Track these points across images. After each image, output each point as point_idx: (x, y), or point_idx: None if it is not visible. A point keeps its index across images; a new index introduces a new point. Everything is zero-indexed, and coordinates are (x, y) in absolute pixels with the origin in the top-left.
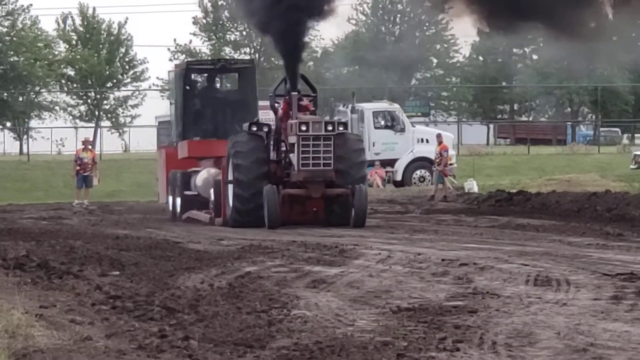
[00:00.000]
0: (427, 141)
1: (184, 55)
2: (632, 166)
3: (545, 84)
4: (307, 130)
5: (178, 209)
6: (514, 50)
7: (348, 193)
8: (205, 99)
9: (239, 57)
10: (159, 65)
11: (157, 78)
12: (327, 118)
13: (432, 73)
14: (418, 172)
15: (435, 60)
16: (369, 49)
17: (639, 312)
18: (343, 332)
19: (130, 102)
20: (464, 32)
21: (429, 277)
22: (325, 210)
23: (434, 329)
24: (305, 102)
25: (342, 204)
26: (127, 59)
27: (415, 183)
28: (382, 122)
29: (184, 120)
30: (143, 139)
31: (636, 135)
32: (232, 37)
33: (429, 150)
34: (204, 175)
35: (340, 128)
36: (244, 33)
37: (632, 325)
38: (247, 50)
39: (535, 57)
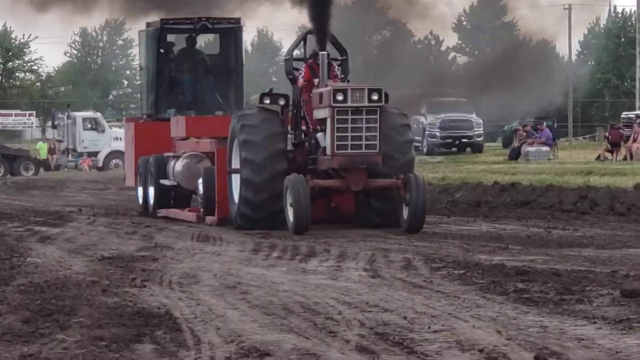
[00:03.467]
0: (120, 139)
1: None
2: None
3: None
4: (345, 100)
5: (150, 201)
6: None
7: (399, 185)
8: (182, 64)
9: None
10: None
11: None
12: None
13: (124, 91)
14: (114, 161)
15: (126, 82)
16: (79, 74)
17: (271, 260)
18: (64, 274)
19: None
20: None
21: (123, 235)
22: (357, 207)
23: (128, 272)
24: (334, 67)
25: (385, 198)
26: None
27: (111, 168)
28: (89, 126)
29: (157, 89)
30: None
31: None
32: None
33: (122, 145)
34: (186, 161)
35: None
36: None
37: (267, 269)
38: None
39: None
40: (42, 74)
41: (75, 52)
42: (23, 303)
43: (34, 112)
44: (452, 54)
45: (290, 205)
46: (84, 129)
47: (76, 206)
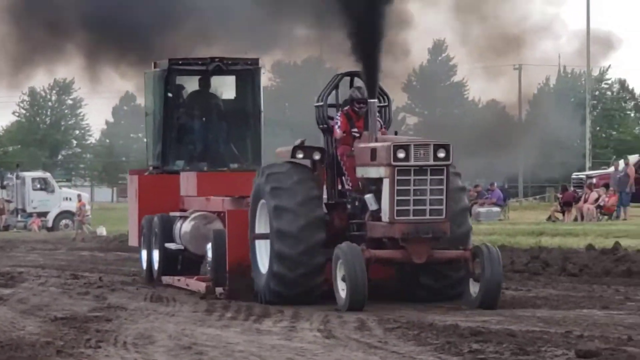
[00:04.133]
0: (70, 199)
1: None
2: None
3: None
4: (407, 158)
5: (155, 266)
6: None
7: (467, 257)
8: (193, 109)
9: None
10: None
11: None
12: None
13: (73, 151)
14: (64, 221)
15: (75, 142)
16: (27, 133)
17: (225, 320)
18: (17, 335)
19: None
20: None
21: (75, 295)
22: (402, 280)
23: (82, 332)
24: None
25: (437, 274)
26: None
27: (61, 229)
28: (39, 186)
29: (165, 137)
30: None
31: None
32: None
33: (72, 206)
34: (195, 222)
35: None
36: None
37: (222, 330)
38: None
39: None
40: None
41: (24, 111)
42: None
43: None
44: (401, 114)
45: (342, 280)
46: (33, 189)
47: (26, 267)
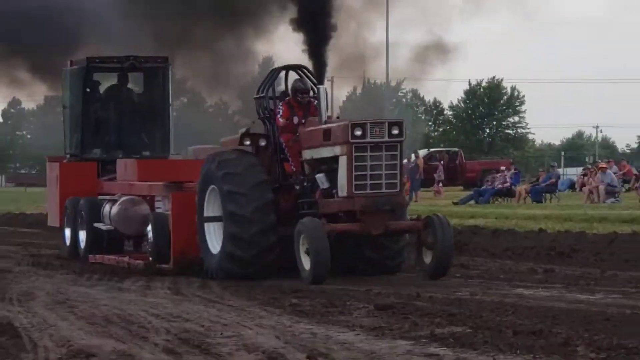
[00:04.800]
0: None
1: None
2: None
3: None
4: (364, 135)
5: (82, 244)
6: None
7: (419, 227)
8: (108, 103)
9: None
10: None
11: None
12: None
13: None
14: None
15: None
16: None
17: (93, 281)
18: None
19: None
20: None
21: None
22: (346, 254)
23: None
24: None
25: (379, 246)
26: None
27: None
28: None
29: (83, 128)
30: None
31: None
32: None
33: None
34: (123, 205)
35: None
36: None
37: (90, 288)
38: None
39: None
40: None
41: None
42: None
43: None
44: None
45: (306, 253)
46: None
47: None
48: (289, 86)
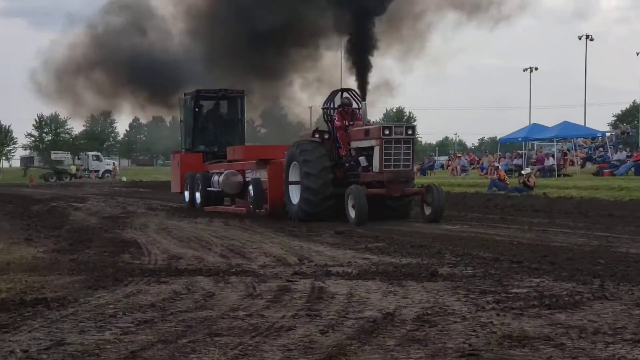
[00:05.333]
0: (109, 164)
1: None
2: None
3: None
4: (391, 134)
5: (198, 201)
6: None
7: (423, 191)
8: (208, 118)
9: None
10: None
11: None
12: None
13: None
14: (107, 174)
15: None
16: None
17: (181, 218)
18: (87, 224)
19: None
20: None
21: (113, 206)
22: (375, 206)
23: (115, 223)
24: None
25: (397, 200)
26: None
27: (106, 177)
28: (94, 158)
29: (194, 133)
30: None
31: None
32: None
33: (110, 167)
34: (226, 175)
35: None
36: None
37: (179, 222)
38: None
39: None
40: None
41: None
42: (69, 236)
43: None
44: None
45: (352, 207)
46: (92, 160)
47: (90, 194)
48: (341, 101)
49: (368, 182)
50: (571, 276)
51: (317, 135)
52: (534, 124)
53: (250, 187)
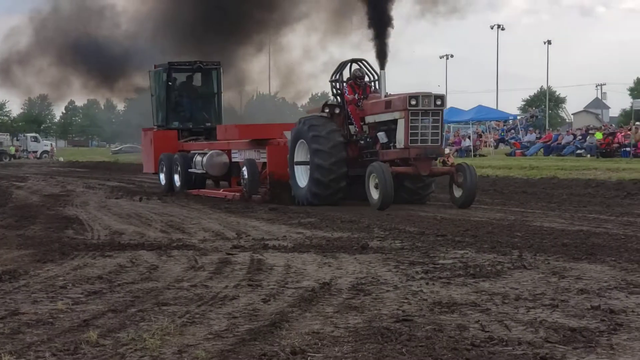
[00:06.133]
0: (46, 145)
1: None
2: None
3: None
4: (417, 104)
5: (177, 184)
6: None
7: (453, 171)
8: (182, 93)
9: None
10: None
11: None
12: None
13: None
14: (44, 155)
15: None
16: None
17: (119, 196)
18: (30, 202)
19: None
20: None
21: (53, 185)
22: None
23: (57, 201)
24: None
25: (418, 182)
26: None
27: (44, 157)
28: (33, 139)
29: (167, 108)
30: None
31: None
32: None
33: (48, 148)
34: (211, 156)
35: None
36: None
37: (121, 200)
38: None
39: None
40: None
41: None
42: (13, 213)
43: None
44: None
45: (375, 187)
46: (30, 141)
47: (29, 174)
48: (352, 73)
49: (389, 161)
50: (492, 248)
51: (326, 110)
52: (451, 107)
53: (245, 170)
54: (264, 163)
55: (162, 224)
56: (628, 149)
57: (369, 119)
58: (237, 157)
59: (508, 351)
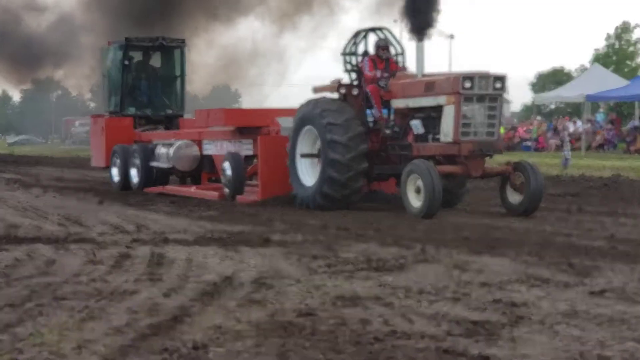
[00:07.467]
0: None
1: None
2: None
3: None
4: (472, 87)
5: (134, 180)
6: None
7: (510, 171)
8: (139, 74)
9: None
10: None
11: None
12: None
13: None
14: None
15: None
16: None
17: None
18: None
19: None
20: None
21: None
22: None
23: None
24: (392, 60)
25: (456, 183)
26: None
27: None
28: None
29: (122, 91)
30: None
31: None
32: None
33: None
34: (179, 148)
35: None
36: None
37: (14, 192)
38: None
39: None
40: None
41: None
42: None
43: None
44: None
45: (417, 191)
46: None
47: None
48: (376, 43)
49: (426, 158)
50: (395, 242)
51: (342, 91)
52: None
53: (226, 164)
54: (247, 156)
55: (60, 217)
56: (529, 143)
57: (398, 102)
58: (210, 149)
59: (411, 344)
